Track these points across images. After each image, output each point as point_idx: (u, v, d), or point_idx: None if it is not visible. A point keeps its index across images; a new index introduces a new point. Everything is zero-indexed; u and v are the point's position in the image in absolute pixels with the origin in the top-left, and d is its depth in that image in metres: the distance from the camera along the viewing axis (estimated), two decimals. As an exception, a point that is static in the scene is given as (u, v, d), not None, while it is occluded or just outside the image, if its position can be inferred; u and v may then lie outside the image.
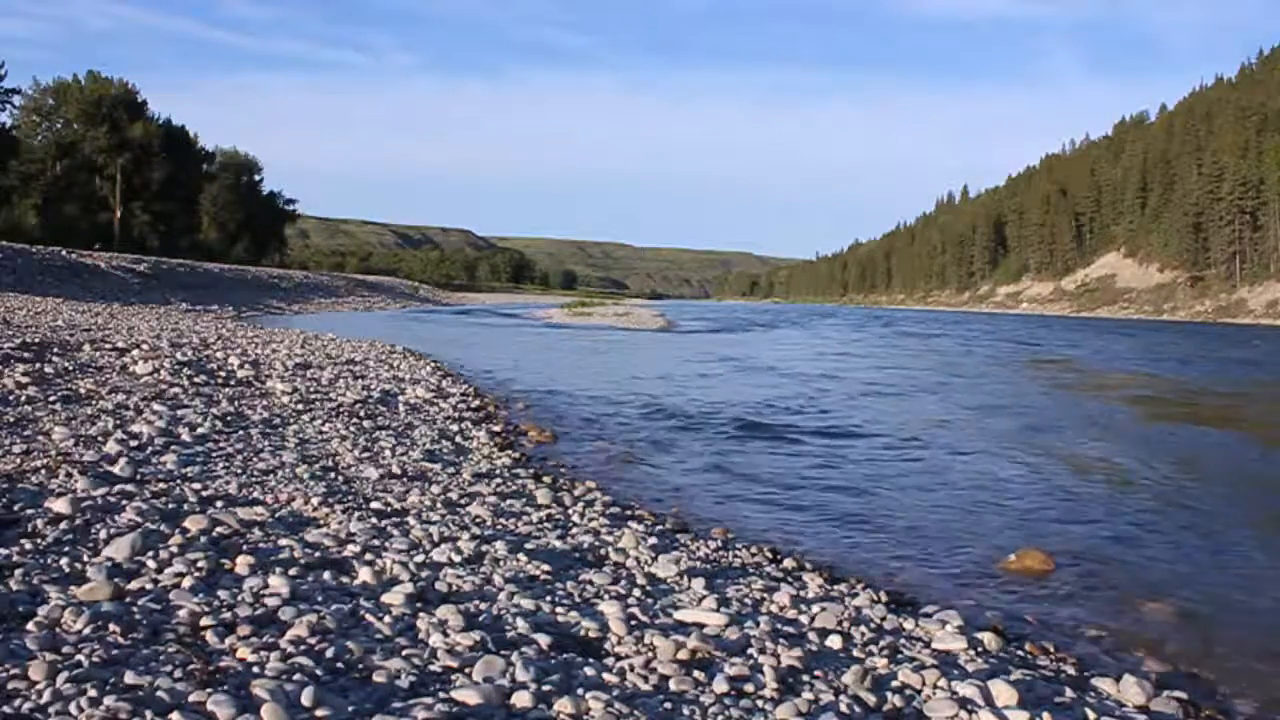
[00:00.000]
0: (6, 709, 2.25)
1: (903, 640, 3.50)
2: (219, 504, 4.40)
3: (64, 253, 33.62)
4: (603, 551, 4.35)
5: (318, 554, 3.77)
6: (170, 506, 4.21)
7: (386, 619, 3.12)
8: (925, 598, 4.31)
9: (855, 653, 3.30)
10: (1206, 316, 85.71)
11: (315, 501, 4.63)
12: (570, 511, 5.17)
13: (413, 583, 3.49)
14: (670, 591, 3.84)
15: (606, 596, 3.65)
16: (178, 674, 2.52)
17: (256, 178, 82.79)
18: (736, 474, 7.11)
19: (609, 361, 18.37)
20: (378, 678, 2.66)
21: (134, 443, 5.54)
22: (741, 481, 6.84)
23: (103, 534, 3.69)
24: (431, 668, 2.78)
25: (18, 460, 4.80)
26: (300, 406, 7.88)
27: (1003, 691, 2.92)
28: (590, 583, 3.81)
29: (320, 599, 3.25)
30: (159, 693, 2.39)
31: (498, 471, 6.16)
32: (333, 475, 5.39)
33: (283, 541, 3.87)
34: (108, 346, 10.60)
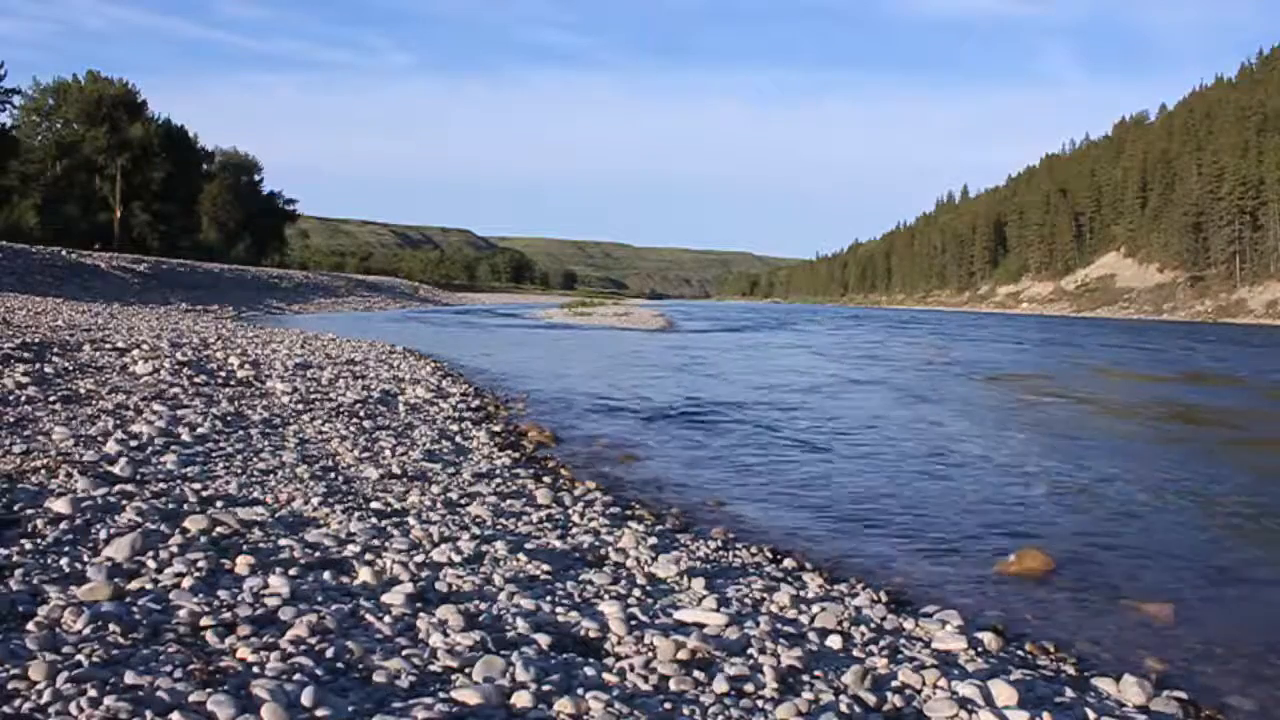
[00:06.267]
0: (6, 709, 2.25)
1: (903, 640, 3.50)
2: (219, 504, 4.40)
3: (64, 253, 33.62)
4: (603, 551, 4.35)
5: (318, 554, 3.77)
6: (170, 506, 4.21)
7: (386, 619, 3.12)
8: (925, 598, 4.31)
9: (855, 653, 3.30)
10: (1206, 316, 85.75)
11: (315, 501, 4.63)
12: (570, 511, 5.17)
13: (413, 583, 3.49)
14: (670, 591, 3.84)
15: (606, 596, 3.65)
16: (178, 674, 2.52)
17: (256, 178, 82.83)
18: (737, 473, 7.12)
19: (609, 361, 18.37)
20: (378, 678, 2.66)
21: (134, 443, 5.54)
22: (742, 481, 6.84)
23: (103, 534, 3.69)
24: (431, 668, 2.78)
25: (18, 460, 4.80)
26: (300, 406, 7.88)
27: (1003, 691, 2.92)
28: (590, 583, 3.81)
29: (320, 599, 3.25)
30: (159, 693, 2.39)
31: (498, 471, 6.16)
32: (333, 475, 5.39)
33: (283, 541, 3.87)
34: (108, 346, 10.60)
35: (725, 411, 10.55)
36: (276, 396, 8.30)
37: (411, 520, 4.49)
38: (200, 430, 6.21)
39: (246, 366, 10.09)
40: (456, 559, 3.90)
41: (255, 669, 2.62)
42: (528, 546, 4.23)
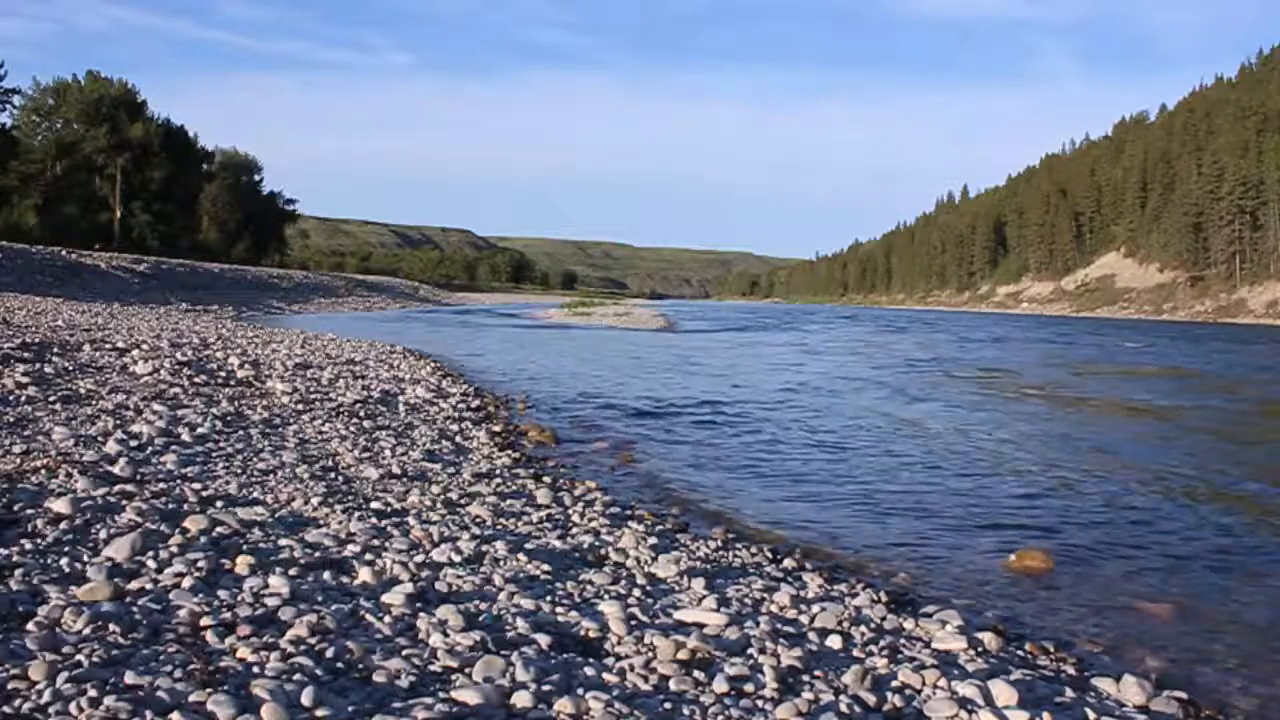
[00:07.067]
0: (6, 709, 2.25)
1: (903, 640, 3.50)
2: (219, 504, 4.40)
3: (64, 253, 33.64)
4: (603, 551, 4.35)
5: (318, 554, 3.77)
6: (170, 506, 4.21)
7: (386, 619, 3.12)
8: (925, 598, 4.31)
9: (855, 653, 3.30)
10: (1206, 316, 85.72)
11: (315, 501, 4.63)
12: (570, 511, 5.17)
13: (413, 583, 3.49)
14: (670, 591, 3.84)
15: (606, 596, 3.65)
16: (178, 674, 2.52)
17: (256, 178, 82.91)
18: (737, 473, 7.12)
19: (609, 361, 18.36)
20: (378, 678, 2.66)
21: (134, 443, 5.54)
22: (742, 480, 6.84)
23: (103, 534, 3.69)
24: (431, 668, 2.78)
25: (18, 460, 4.80)
26: (300, 406, 7.88)
27: (1003, 691, 2.92)
28: (590, 583, 3.81)
29: (320, 599, 3.25)
30: (159, 693, 2.39)
31: (498, 471, 6.16)
32: (333, 475, 5.39)
33: (283, 541, 3.87)
34: (108, 346, 10.60)
35: (725, 411, 10.55)
36: (276, 396, 8.30)
37: (411, 520, 4.49)
38: (200, 430, 6.21)
39: (246, 366, 10.08)
40: (456, 559, 3.90)
41: (255, 669, 2.62)
42: (528, 546, 4.23)
